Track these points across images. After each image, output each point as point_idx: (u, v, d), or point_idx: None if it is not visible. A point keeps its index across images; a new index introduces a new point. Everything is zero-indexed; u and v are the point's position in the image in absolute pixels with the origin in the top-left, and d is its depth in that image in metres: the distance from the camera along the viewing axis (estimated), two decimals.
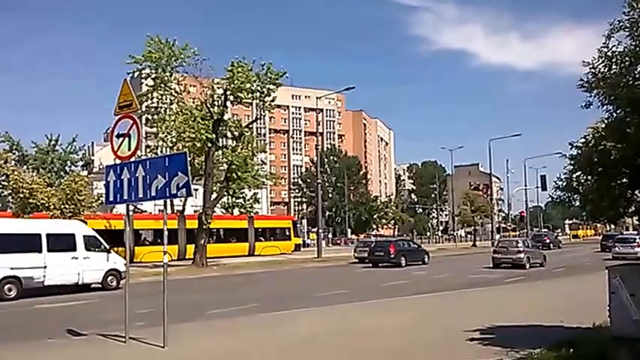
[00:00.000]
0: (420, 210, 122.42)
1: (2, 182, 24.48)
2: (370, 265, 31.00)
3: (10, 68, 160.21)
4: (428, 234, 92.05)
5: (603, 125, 8.36)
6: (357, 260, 34.27)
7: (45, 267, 17.91)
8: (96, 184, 30.86)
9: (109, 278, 19.92)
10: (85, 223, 25.31)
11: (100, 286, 19.55)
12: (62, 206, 23.95)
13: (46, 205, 23.96)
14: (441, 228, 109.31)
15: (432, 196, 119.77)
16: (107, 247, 20.31)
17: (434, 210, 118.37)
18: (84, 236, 19.53)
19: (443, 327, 10.52)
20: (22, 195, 24.06)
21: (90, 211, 26.29)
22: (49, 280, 18.08)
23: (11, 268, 17.22)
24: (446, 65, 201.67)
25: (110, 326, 10.31)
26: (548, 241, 53.83)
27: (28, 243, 17.90)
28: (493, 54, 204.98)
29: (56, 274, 18.18)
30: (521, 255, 28.40)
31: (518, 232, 77.45)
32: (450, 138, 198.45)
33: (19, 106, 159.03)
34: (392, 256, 30.51)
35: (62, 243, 18.71)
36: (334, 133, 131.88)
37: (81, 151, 35.95)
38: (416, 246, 36.01)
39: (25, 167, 27.29)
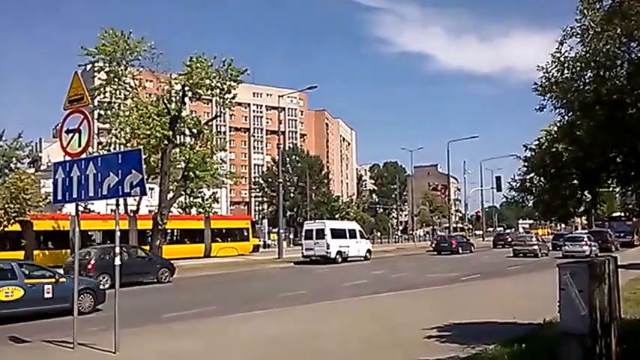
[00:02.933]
0: (381, 210, 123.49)
1: None
2: (435, 252, 44.45)
3: None
4: (379, 234, 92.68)
5: (556, 128, 8.56)
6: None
7: (348, 247, 35.02)
8: (43, 182, 29.81)
9: (367, 254, 37.02)
10: (32, 223, 24.56)
11: (362, 258, 36.17)
12: (6, 205, 22.93)
13: None
14: (400, 228, 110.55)
15: (393, 196, 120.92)
16: (367, 236, 41.52)
17: (394, 210, 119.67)
18: (358, 230, 37.80)
19: (402, 324, 10.58)
20: None
21: (37, 211, 25.25)
22: (349, 253, 34.98)
23: (339, 246, 34.18)
24: (407, 67, 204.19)
25: (58, 332, 9.88)
26: (510, 239, 56.37)
27: (343, 233, 35.60)
28: (453, 57, 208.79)
29: (351, 250, 35.31)
30: (535, 247, 37.69)
31: (479, 231, 78.90)
32: (411, 139, 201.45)
33: None
34: (453, 246, 43.88)
35: (352, 234, 36.53)
36: (296, 133, 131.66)
37: (27, 148, 34.54)
38: (466, 240, 50.65)
39: None
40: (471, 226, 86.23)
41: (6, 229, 24.24)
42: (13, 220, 23.73)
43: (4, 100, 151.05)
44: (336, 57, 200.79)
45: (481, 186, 76.37)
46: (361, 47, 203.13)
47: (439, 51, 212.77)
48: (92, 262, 20.57)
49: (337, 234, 34.91)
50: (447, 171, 76.59)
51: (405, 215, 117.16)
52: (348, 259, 34.67)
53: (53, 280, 13.30)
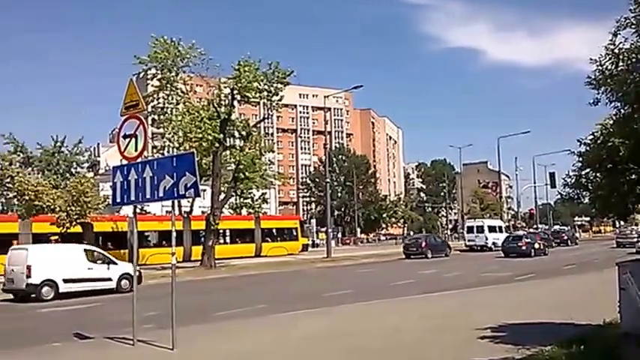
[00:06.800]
0: (430, 208, 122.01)
1: (7, 184, 24.34)
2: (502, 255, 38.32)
3: (17, 69, 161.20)
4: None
5: (611, 122, 8.30)
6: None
7: (498, 239, 41.82)
8: (102, 185, 31.02)
9: (496, 243, 42.09)
10: (92, 225, 25.59)
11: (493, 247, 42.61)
12: (68, 208, 23.93)
13: (52, 207, 23.94)
14: (450, 226, 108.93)
15: (441, 194, 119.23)
16: (505, 231, 49.49)
17: (443, 208, 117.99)
18: (504, 226, 51.73)
19: (453, 325, 10.46)
20: (27, 197, 24.06)
21: (96, 213, 26.27)
22: (499, 244, 40.11)
23: (493, 238, 43.07)
24: (454, 63, 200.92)
25: (118, 329, 10.21)
26: (565, 237, 55.65)
27: (494, 229, 46.39)
28: (502, 51, 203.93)
29: (500, 241, 40.23)
30: (635, 239, 42.04)
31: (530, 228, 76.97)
32: (459, 136, 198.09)
33: (24, 107, 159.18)
34: (523, 248, 38.59)
35: (500, 229, 47.37)
36: (342, 132, 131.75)
37: (87, 153, 35.96)
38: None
39: (30, 169, 27.18)
40: (524, 224, 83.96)
41: (68, 230, 25.33)
42: (74, 222, 24.76)
43: (65, 106, 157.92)
44: (382, 55, 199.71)
45: (534, 182, 74.30)
46: (408, 44, 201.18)
47: (488, 46, 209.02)
48: (424, 243, 38.42)
49: (491, 229, 45.66)
50: (497, 168, 74.89)
51: (455, 214, 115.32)
52: (496, 248, 42.27)
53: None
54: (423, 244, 38.45)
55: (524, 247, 35.90)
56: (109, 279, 19.13)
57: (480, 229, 45.43)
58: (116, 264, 19.87)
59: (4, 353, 9.18)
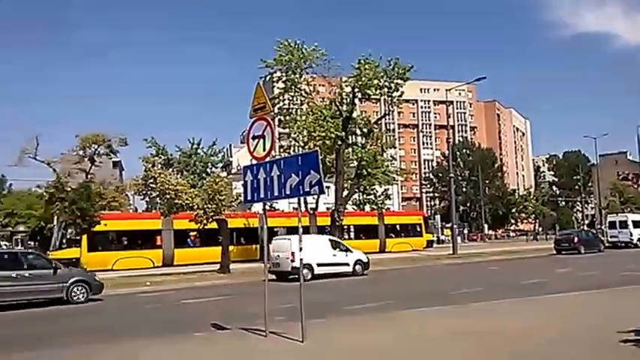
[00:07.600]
0: (563, 203, 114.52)
1: (151, 185, 26.67)
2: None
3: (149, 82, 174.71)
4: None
5: None
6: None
7: (631, 234, 40.98)
8: (235, 184, 32.66)
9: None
10: (226, 221, 27.22)
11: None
12: (205, 206, 25.54)
13: (190, 205, 25.74)
14: (586, 222, 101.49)
15: (576, 187, 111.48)
16: None
17: (578, 203, 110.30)
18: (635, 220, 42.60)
19: (592, 327, 9.79)
20: (168, 196, 26.06)
21: (230, 210, 27.83)
22: (637, 239, 40.67)
23: (639, 234, 41.05)
24: (585, 48, 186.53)
25: (251, 320, 10.70)
26: None
27: (636, 224, 41.79)
28: (636, 34, 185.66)
29: (626, 237, 41.17)
30: None
31: None
32: (594, 125, 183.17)
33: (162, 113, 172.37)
34: None
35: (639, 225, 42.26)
36: (466, 126, 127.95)
37: (220, 154, 38.07)
38: None
39: (170, 170, 29.41)
40: None
41: (205, 227, 27.20)
42: (211, 219, 26.46)
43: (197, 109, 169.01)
44: (507, 44, 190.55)
45: None
46: (534, 32, 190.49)
47: (621, 29, 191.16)
48: (576, 238, 37.41)
49: (636, 224, 42.06)
50: (638, 158, 68.46)
51: (592, 208, 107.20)
52: None
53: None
54: (575, 239, 37.46)
55: None
56: (347, 264, 23.49)
57: (624, 225, 42.20)
58: (352, 252, 24.17)
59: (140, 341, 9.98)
